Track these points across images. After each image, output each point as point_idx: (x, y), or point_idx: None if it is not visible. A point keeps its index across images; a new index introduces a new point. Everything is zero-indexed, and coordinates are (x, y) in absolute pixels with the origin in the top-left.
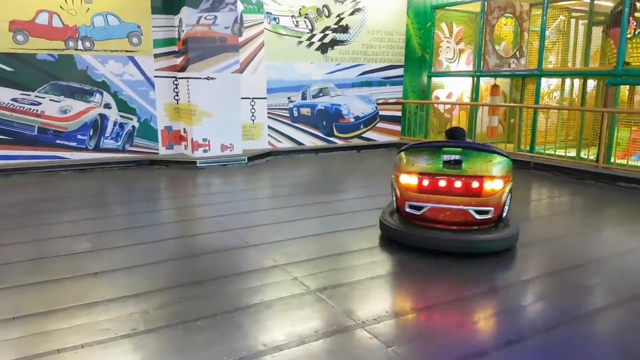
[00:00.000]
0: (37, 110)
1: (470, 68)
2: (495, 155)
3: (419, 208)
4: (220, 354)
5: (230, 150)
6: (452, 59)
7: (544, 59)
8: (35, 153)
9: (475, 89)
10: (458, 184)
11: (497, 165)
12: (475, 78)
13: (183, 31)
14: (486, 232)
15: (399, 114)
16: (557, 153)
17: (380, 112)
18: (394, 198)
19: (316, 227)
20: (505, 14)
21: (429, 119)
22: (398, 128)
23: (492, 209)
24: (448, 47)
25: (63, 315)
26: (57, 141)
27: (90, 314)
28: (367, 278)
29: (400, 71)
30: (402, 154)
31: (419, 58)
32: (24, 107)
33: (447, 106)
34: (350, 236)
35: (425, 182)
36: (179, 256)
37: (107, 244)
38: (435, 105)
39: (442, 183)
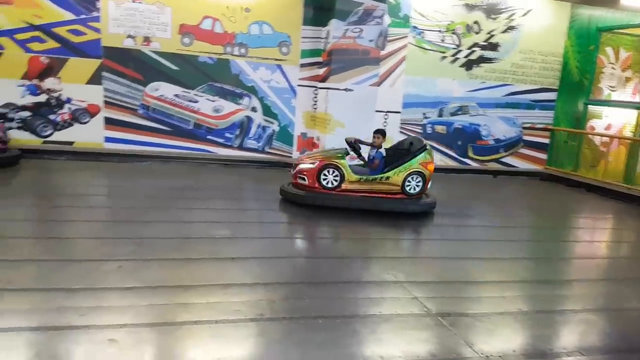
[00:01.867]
0: (195, 107)
1: (637, 99)
2: None
3: None
4: (336, 356)
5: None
6: (616, 87)
7: None
8: (189, 145)
9: None
10: None
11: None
12: None
13: (329, 43)
14: None
15: (547, 141)
16: None
17: (525, 137)
18: None
19: (440, 249)
20: None
21: (582, 151)
22: (544, 156)
23: None
24: (612, 73)
25: (202, 291)
26: (208, 137)
27: (225, 294)
28: (494, 312)
29: (552, 95)
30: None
31: (576, 83)
32: (183, 103)
33: (605, 139)
34: (477, 265)
35: None
36: (303, 255)
37: (242, 233)
38: (591, 136)
39: None
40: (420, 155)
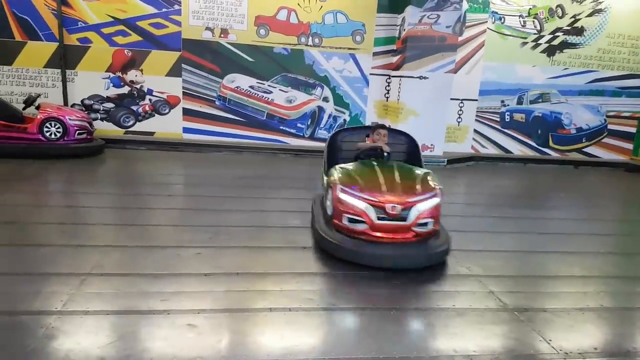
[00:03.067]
0: (268, 98)
1: None
2: None
3: None
4: (409, 348)
5: (431, 151)
6: None
7: None
8: (262, 135)
9: None
10: None
11: None
12: None
13: (404, 30)
14: None
15: (634, 130)
16: None
17: (610, 126)
18: None
19: (518, 242)
20: None
21: None
22: (630, 146)
23: None
24: None
25: (277, 279)
26: (281, 127)
27: (299, 282)
28: (575, 308)
29: None
30: None
31: None
32: (258, 94)
33: None
34: (557, 259)
35: None
36: None
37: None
38: None
39: None
40: None
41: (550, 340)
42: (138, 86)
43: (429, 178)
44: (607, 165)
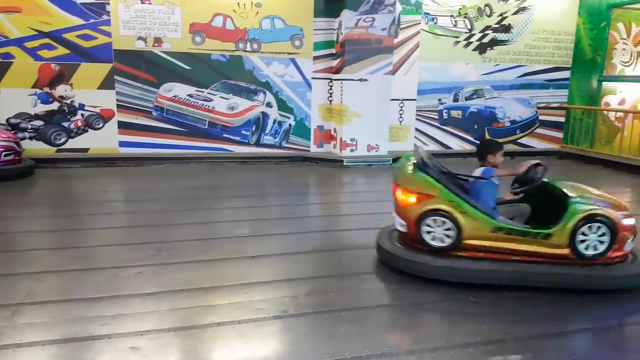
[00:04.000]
0: (209, 106)
1: None
2: None
3: None
4: (362, 347)
5: (376, 151)
6: (629, 62)
7: None
8: (205, 144)
9: None
10: None
11: None
12: None
13: (342, 34)
14: None
15: (562, 119)
16: None
17: (541, 117)
18: None
19: None
20: None
21: (597, 127)
22: (560, 135)
23: None
24: (624, 49)
25: (224, 292)
26: (224, 135)
27: (248, 293)
28: None
29: (566, 74)
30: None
31: (589, 60)
32: (197, 103)
33: (619, 114)
34: None
35: None
36: (325, 248)
37: (263, 230)
38: (605, 112)
39: None
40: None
41: (500, 329)
42: (68, 101)
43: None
44: (541, 154)
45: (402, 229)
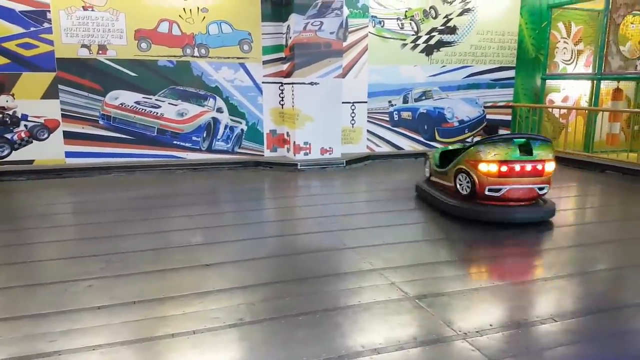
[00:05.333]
0: (157, 113)
1: (589, 70)
2: (550, 143)
3: (498, 190)
4: (320, 351)
5: (330, 154)
6: (570, 60)
7: None
8: (154, 152)
9: (595, 93)
10: (529, 167)
11: (552, 151)
12: (595, 81)
13: (290, 38)
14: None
15: (509, 118)
16: None
17: (488, 116)
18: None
19: (413, 234)
20: (634, 12)
21: (542, 124)
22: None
23: (548, 185)
24: (565, 48)
25: (178, 302)
26: (174, 142)
27: (202, 302)
28: (469, 289)
29: (511, 73)
30: (480, 146)
31: (532, 59)
32: (145, 110)
33: (563, 111)
34: (452, 245)
35: (504, 168)
36: (281, 253)
37: (217, 238)
38: (550, 109)
39: (518, 167)
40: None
41: (450, 322)
42: (10, 112)
43: None
44: None
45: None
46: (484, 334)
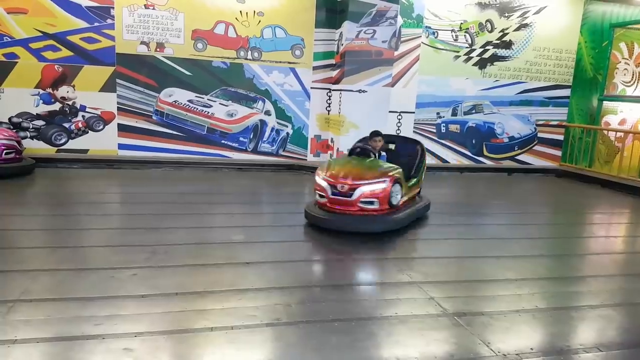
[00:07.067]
0: (208, 112)
1: None
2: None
3: None
4: (353, 359)
5: None
6: (630, 82)
7: None
8: (203, 150)
9: None
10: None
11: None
12: None
13: (342, 45)
14: None
15: (561, 137)
16: None
17: (540, 135)
18: None
19: (457, 249)
20: None
21: (596, 147)
22: (558, 153)
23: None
24: (626, 69)
25: (218, 297)
26: (222, 141)
27: (241, 299)
28: (511, 310)
29: (566, 92)
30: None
31: (589, 79)
32: (197, 109)
33: (619, 134)
34: (493, 264)
35: None
36: (318, 258)
37: (257, 237)
38: (605, 132)
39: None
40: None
41: (489, 343)
42: (70, 102)
43: (386, 171)
44: (538, 172)
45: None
46: (524, 357)
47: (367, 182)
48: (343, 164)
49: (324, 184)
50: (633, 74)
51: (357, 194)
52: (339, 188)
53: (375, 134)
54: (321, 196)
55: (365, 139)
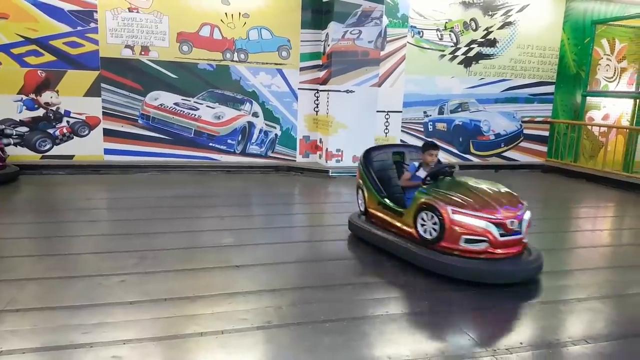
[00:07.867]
0: (195, 115)
1: (632, 89)
2: None
3: None
4: (346, 358)
5: None
6: (612, 78)
7: None
8: (190, 153)
9: (638, 111)
10: None
11: None
12: (637, 100)
13: (328, 45)
14: None
15: (547, 133)
16: None
17: (525, 131)
18: None
19: None
20: None
21: (581, 142)
22: (544, 149)
23: None
24: (608, 65)
25: (208, 301)
26: (210, 144)
27: (231, 303)
28: (500, 305)
29: (550, 88)
30: None
31: (573, 75)
32: (184, 112)
33: (603, 129)
34: None
35: None
36: (309, 259)
37: (247, 240)
38: (589, 127)
39: None
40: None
41: (481, 338)
42: (54, 108)
43: (514, 193)
44: (525, 168)
45: None
46: (514, 352)
47: (521, 210)
48: (464, 191)
49: (484, 224)
50: (615, 70)
51: (524, 227)
52: (508, 225)
53: (432, 146)
54: (474, 241)
55: (381, 148)
